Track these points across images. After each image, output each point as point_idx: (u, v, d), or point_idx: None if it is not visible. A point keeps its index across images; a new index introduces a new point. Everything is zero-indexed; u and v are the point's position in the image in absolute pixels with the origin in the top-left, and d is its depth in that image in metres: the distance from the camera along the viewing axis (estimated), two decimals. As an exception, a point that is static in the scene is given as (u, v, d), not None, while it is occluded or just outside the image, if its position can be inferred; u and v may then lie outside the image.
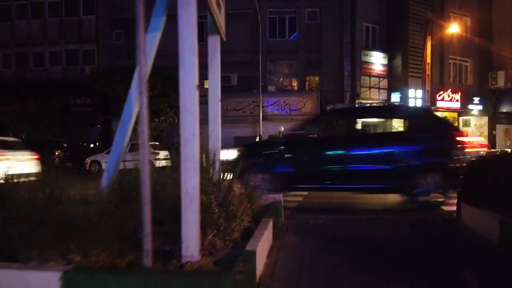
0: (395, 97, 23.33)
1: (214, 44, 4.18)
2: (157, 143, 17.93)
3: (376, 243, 4.02)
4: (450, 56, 25.06)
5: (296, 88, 24.01)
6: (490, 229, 4.03)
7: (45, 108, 23.59)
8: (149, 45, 3.52)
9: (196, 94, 2.77)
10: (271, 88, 23.80)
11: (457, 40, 24.19)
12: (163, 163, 16.20)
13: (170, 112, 19.74)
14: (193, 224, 2.73)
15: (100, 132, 25.64)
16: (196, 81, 2.78)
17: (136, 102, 3.57)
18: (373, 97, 23.62)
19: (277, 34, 23.82)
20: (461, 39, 24.43)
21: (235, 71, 23.01)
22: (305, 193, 8.86)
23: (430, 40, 20.19)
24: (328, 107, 8.46)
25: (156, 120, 20.60)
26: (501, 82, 25.41)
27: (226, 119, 23.53)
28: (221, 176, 3.59)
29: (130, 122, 3.53)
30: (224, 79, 23.13)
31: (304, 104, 23.00)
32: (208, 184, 3.29)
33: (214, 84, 4.21)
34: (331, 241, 4.09)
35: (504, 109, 26.20)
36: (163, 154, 17.25)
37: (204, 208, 3.18)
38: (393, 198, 8.02)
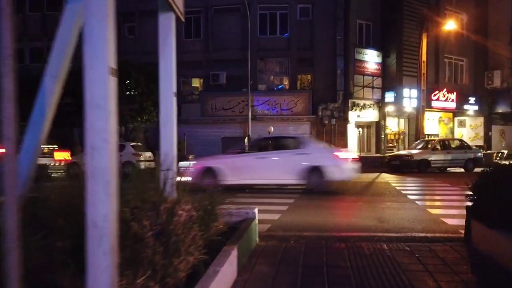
0: (390, 97, 22.57)
1: (167, 23, 3.32)
2: (139, 144, 16.98)
3: (365, 276, 3.19)
4: (446, 55, 24.39)
5: (287, 87, 23.13)
6: (510, 255, 3.25)
7: (25, 107, 22.50)
8: (69, 16, 2.68)
9: (109, 81, 1.91)
10: (261, 86, 22.90)
11: (453, 38, 23.56)
12: (146, 165, 15.31)
13: (155, 111, 18.81)
14: (104, 271, 1.87)
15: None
16: (110, 63, 1.92)
17: (51, 95, 2.70)
18: (366, 97, 22.84)
19: (267, 31, 22.90)
20: (457, 38, 23.80)
21: (224, 69, 22.14)
22: (291, 200, 8.10)
23: (425, 38, 19.47)
24: None
25: (139, 119, 19.67)
26: (497, 82, 24.79)
27: (214, 119, 22.65)
28: (165, 194, 2.73)
29: (44, 122, 2.66)
30: (213, 77, 22.26)
31: (296, 104, 22.15)
32: (142, 206, 2.43)
33: (168, 73, 3.34)
34: (313, 272, 3.25)
35: (500, 109, 25.61)
36: (146, 156, 16.33)
37: (136, 240, 2.32)
38: (390, 211, 7.26)
